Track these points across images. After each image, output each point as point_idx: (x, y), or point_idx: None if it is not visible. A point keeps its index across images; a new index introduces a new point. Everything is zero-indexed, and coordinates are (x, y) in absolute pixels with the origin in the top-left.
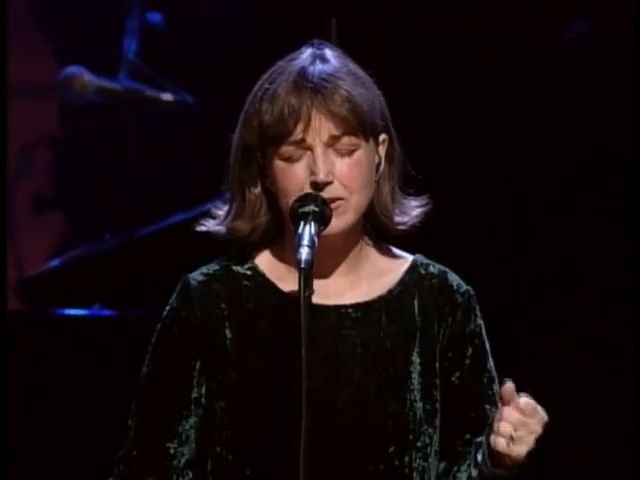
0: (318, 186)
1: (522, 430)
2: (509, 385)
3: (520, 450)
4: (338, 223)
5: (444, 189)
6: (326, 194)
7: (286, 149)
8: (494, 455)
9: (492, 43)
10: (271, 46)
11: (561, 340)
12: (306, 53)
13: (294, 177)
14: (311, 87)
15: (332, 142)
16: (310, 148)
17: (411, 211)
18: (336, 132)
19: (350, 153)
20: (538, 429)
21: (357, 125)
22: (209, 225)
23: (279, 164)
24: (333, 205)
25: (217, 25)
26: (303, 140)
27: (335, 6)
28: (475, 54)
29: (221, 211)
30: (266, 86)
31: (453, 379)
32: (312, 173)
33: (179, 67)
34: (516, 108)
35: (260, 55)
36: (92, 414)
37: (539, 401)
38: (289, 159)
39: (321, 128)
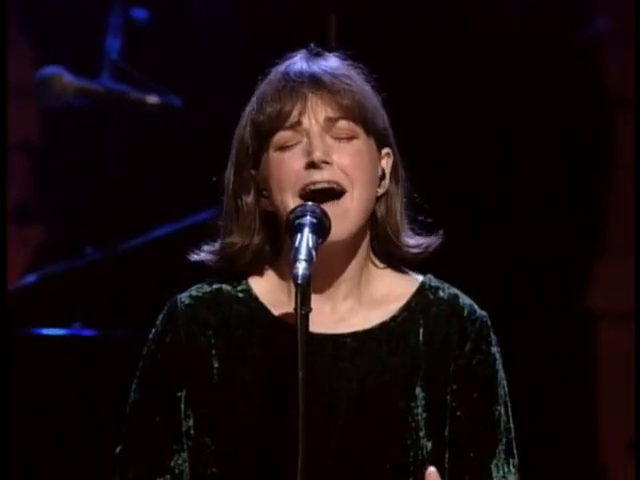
0: (314, 165)
1: None
2: (431, 471)
3: None
4: (340, 226)
5: (451, 200)
6: (325, 174)
7: (281, 135)
8: None
9: (495, 43)
10: (267, 43)
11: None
12: (302, 53)
13: (288, 164)
14: (307, 74)
15: (329, 126)
16: (306, 133)
17: (420, 238)
18: (333, 115)
19: (349, 139)
20: None
21: (357, 111)
22: (204, 250)
23: (274, 156)
24: (334, 203)
25: (207, 21)
26: (299, 123)
27: (335, 4)
28: (477, 53)
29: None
30: (260, 87)
31: (459, 413)
32: (308, 154)
33: (166, 67)
34: (525, 112)
35: (255, 53)
36: (68, 443)
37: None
38: (283, 147)
39: (317, 110)
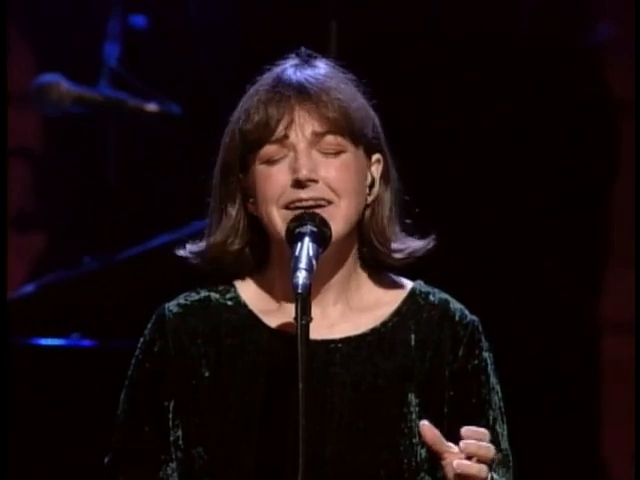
0: (300, 184)
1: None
2: (425, 424)
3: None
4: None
5: (447, 206)
6: (311, 192)
7: (268, 149)
8: None
9: (495, 46)
10: (267, 50)
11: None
12: (292, 60)
13: (274, 179)
14: (295, 86)
15: (316, 140)
16: (293, 147)
17: (410, 242)
18: (320, 129)
19: (336, 154)
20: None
21: (344, 125)
22: (188, 249)
23: (260, 169)
24: (320, 210)
25: (206, 28)
26: (286, 137)
27: (335, 9)
28: (478, 58)
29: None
30: (249, 94)
31: (455, 419)
32: (294, 171)
33: (165, 74)
34: (525, 114)
35: (255, 60)
36: (66, 452)
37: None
38: (270, 161)
39: (304, 124)
